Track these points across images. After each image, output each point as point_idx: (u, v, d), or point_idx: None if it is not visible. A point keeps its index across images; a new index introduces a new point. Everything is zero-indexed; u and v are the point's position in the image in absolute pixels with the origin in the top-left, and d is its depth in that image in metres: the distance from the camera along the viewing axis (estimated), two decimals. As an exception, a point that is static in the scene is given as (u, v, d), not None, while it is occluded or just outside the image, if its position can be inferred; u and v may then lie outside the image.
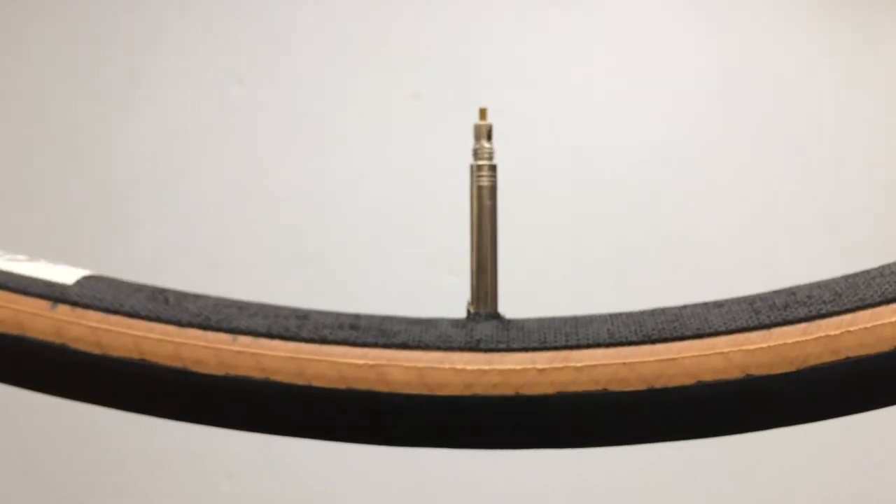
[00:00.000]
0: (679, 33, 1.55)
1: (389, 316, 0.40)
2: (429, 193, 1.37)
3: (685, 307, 0.39)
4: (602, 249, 1.35)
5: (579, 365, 0.38)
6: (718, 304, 0.39)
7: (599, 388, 0.37)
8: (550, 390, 0.38)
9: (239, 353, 0.39)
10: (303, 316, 0.40)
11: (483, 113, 0.40)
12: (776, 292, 0.39)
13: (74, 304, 0.40)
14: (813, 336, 0.37)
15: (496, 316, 0.40)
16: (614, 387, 0.37)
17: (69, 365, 0.39)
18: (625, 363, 0.37)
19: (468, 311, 0.41)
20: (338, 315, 0.40)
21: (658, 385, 0.37)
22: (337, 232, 1.38)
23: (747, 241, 1.38)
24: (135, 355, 0.39)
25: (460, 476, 1.19)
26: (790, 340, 0.37)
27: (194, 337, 0.39)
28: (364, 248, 1.35)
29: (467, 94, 1.43)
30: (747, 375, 0.37)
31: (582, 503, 1.21)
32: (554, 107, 1.47)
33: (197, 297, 0.41)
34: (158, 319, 0.39)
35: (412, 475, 1.17)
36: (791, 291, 0.39)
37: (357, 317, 0.40)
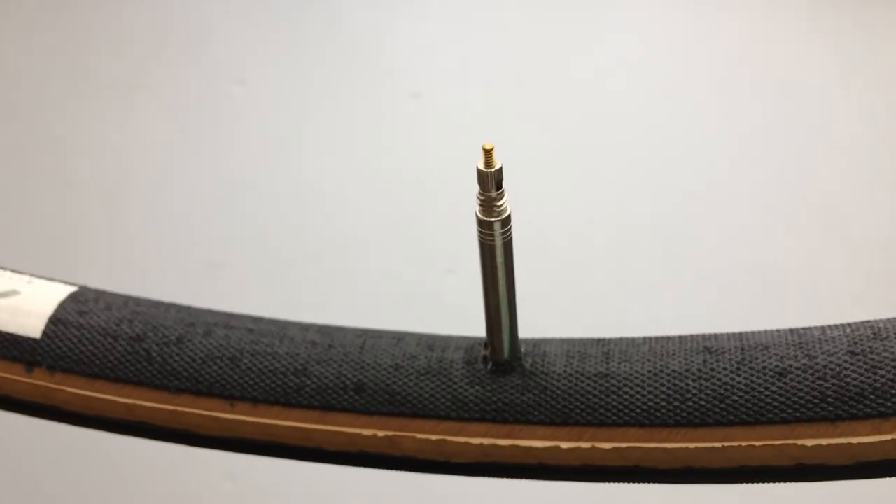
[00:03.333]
0: (679, 33, 1.49)
1: (397, 366, 0.36)
2: (429, 193, 1.27)
3: (739, 371, 0.33)
4: (601, 249, 1.26)
5: (608, 447, 0.34)
6: (780, 374, 0.33)
7: (629, 464, 0.34)
8: (575, 462, 0.35)
9: (240, 421, 0.36)
10: (301, 371, 0.36)
11: (489, 155, 0.29)
12: (853, 358, 0.32)
13: (51, 368, 0.36)
14: (888, 437, 0.31)
15: (516, 368, 0.35)
16: (646, 464, 0.34)
17: (65, 416, 0.38)
18: (661, 447, 0.33)
19: (485, 357, 0.35)
20: (339, 372, 0.35)
21: (696, 465, 0.34)
22: (337, 232, 1.27)
23: (747, 242, 1.26)
24: (131, 417, 0.37)
25: (458, 483, 1.12)
26: (856, 440, 0.32)
27: (189, 403, 0.36)
28: (364, 247, 1.25)
29: (467, 94, 1.35)
30: (800, 464, 0.33)
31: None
32: (554, 107, 1.39)
33: (179, 343, 0.36)
34: (147, 385, 0.36)
35: (412, 475, 1.11)
36: (873, 365, 0.32)
37: (364, 370, 0.35)
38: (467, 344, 0.37)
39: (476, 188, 0.31)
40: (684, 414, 0.33)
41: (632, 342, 0.36)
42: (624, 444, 0.34)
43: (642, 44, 1.51)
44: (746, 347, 0.34)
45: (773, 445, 0.33)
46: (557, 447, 0.34)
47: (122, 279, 1.14)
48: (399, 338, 0.37)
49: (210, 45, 1.46)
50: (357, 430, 0.35)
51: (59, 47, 1.45)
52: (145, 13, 1.51)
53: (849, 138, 1.37)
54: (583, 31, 1.53)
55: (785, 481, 0.34)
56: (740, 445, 0.33)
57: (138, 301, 0.39)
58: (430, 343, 0.37)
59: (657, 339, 0.36)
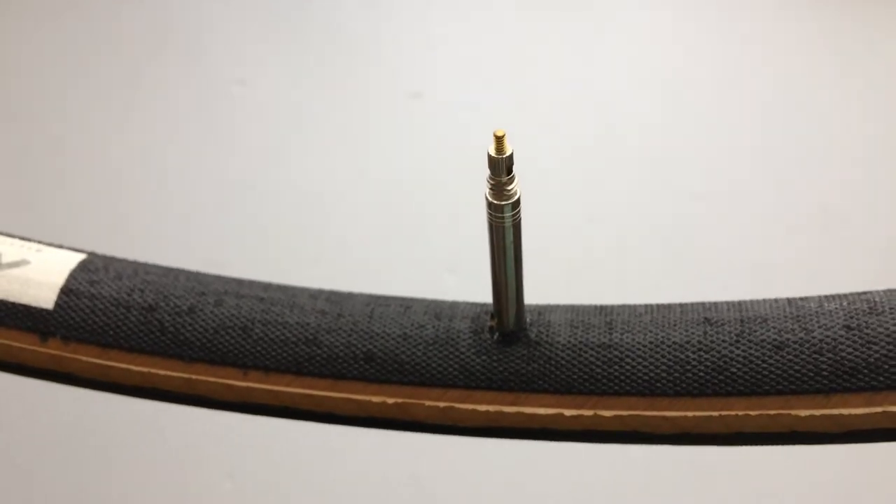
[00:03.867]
0: (679, 33, 1.49)
1: (405, 335, 0.36)
2: (429, 193, 1.27)
3: (738, 343, 0.34)
4: (601, 250, 1.24)
5: (610, 415, 0.35)
6: (778, 347, 0.34)
7: (629, 429, 0.36)
8: (577, 427, 0.36)
9: (252, 388, 0.37)
10: (311, 340, 0.36)
11: (500, 142, 0.30)
12: (848, 332, 0.33)
13: (65, 338, 0.37)
14: (878, 409, 0.33)
15: (521, 338, 0.36)
16: (646, 430, 0.36)
17: (80, 382, 0.39)
18: (661, 415, 0.35)
19: (491, 327, 0.36)
20: (348, 342, 0.36)
21: (694, 431, 0.35)
22: (337, 232, 1.25)
23: (747, 241, 1.24)
24: (147, 384, 0.38)
25: (462, 476, 1.07)
26: (848, 412, 0.33)
27: (203, 371, 0.37)
28: (364, 247, 1.24)
29: (467, 94, 1.35)
30: (793, 431, 0.34)
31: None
32: (554, 106, 1.38)
33: (192, 313, 0.37)
34: (162, 354, 0.37)
35: (412, 475, 1.07)
36: (869, 340, 0.33)
37: (374, 340, 0.36)
38: (473, 312, 0.37)
39: (486, 172, 0.31)
40: (684, 384, 0.34)
41: (633, 311, 0.37)
42: (625, 413, 0.35)
43: (643, 44, 1.49)
44: (745, 319, 0.35)
45: (768, 415, 0.34)
46: (561, 414, 0.36)
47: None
48: (407, 306, 0.38)
49: (210, 45, 1.44)
50: (367, 398, 0.36)
51: (59, 47, 1.43)
52: (145, 13, 1.49)
53: (849, 138, 1.36)
54: (584, 30, 1.52)
55: (777, 444, 0.35)
56: (737, 415, 0.34)
57: (147, 269, 0.39)
58: (438, 311, 0.38)
59: (658, 308, 0.37)
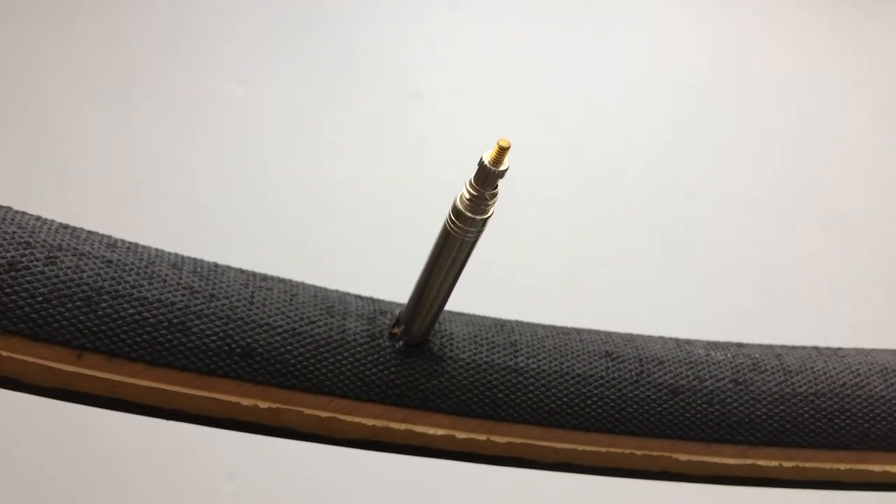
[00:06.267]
0: (679, 33, 1.50)
1: (294, 331, 0.31)
2: (429, 193, 1.26)
3: (637, 383, 0.34)
4: (601, 249, 1.24)
5: (502, 441, 0.33)
6: (674, 392, 0.34)
7: (514, 455, 0.34)
8: (465, 449, 0.33)
9: (83, 376, 0.29)
10: (178, 326, 0.29)
11: (502, 153, 0.25)
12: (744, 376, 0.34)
13: None
14: (749, 461, 0.34)
15: (424, 351, 0.32)
16: (530, 457, 0.34)
17: None
18: (551, 447, 0.33)
19: (393, 334, 0.32)
20: (224, 332, 0.30)
21: (576, 463, 0.34)
22: (337, 232, 1.23)
23: (749, 242, 1.27)
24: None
25: (458, 478, 1.07)
26: (722, 461, 0.34)
27: (20, 349, 0.28)
28: (364, 247, 1.23)
29: (467, 94, 1.36)
30: (665, 471, 0.35)
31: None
32: (555, 106, 1.37)
33: (12, 270, 0.28)
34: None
35: (412, 474, 1.06)
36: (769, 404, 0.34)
37: (254, 332, 0.30)
38: (368, 311, 0.33)
39: (467, 177, 0.26)
40: (582, 419, 0.33)
41: (534, 332, 0.35)
42: (518, 440, 0.33)
43: (644, 44, 1.47)
44: (643, 359, 0.34)
45: (650, 456, 0.34)
46: (452, 437, 0.33)
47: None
48: (293, 293, 0.32)
49: (210, 45, 1.41)
50: (235, 399, 0.30)
51: (59, 47, 1.40)
52: (145, 13, 1.45)
53: (851, 139, 1.42)
54: (584, 30, 1.49)
55: (645, 479, 0.36)
56: (622, 452, 0.34)
57: None
58: (328, 305, 0.32)
59: (558, 332, 0.35)
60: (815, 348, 0.37)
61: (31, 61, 1.41)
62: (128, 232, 1.16)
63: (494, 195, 0.26)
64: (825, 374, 0.35)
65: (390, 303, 0.34)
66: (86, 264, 0.29)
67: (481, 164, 0.25)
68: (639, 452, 0.34)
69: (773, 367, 0.35)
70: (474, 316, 0.35)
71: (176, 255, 0.31)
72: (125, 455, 1.07)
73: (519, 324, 0.35)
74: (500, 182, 0.26)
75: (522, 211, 1.26)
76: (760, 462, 0.34)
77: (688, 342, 0.36)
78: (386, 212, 1.28)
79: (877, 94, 1.50)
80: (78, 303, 0.28)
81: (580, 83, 1.46)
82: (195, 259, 0.32)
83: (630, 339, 0.35)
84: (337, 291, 0.33)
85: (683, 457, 0.34)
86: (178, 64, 1.37)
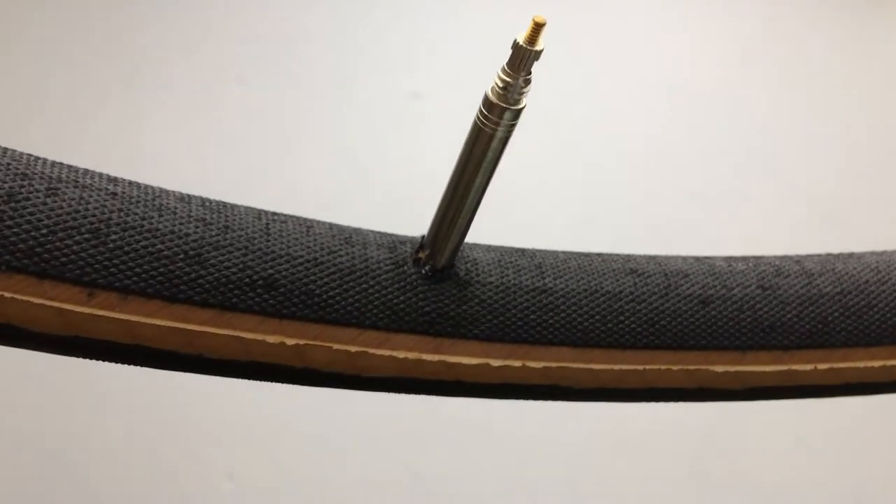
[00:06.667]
0: (680, 33, 1.50)
1: (315, 260, 0.29)
2: (429, 193, 1.09)
3: (667, 296, 0.33)
4: (602, 250, 1.19)
5: (538, 366, 0.32)
6: (704, 302, 0.33)
7: (550, 382, 0.32)
8: (497, 380, 0.32)
9: (97, 317, 0.27)
10: (194, 258, 0.27)
11: (537, 31, 0.24)
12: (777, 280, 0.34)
13: None
14: (784, 367, 0.34)
15: (451, 276, 0.31)
16: (566, 384, 0.33)
17: None
18: (587, 368, 0.32)
19: (417, 260, 0.30)
20: (244, 263, 0.28)
21: (611, 386, 0.33)
22: None
23: (748, 241, 1.29)
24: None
25: (462, 471, 1.06)
26: (758, 369, 0.34)
27: (25, 289, 0.26)
28: None
29: (467, 94, 1.23)
30: (701, 388, 0.34)
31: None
32: (555, 106, 1.40)
33: (11, 201, 0.26)
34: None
35: (413, 474, 1.05)
36: (787, 303, 0.34)
37: (275, 262, 0.28)
38: (388, 242, 0.31)
39: (501, 64, 0.25)
40: (616, 336, 0.32)
41: (556, 256, 0.34)
42: (554, 364, 0.32)
43: (644, 44, 1.50)
44: (668, 273, 0.34)
45: (686, 370, 0.33)
46: (487, 365, 0.31)
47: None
48: (307, 225, 0.30)
49: (210, 45, 1.43)
50: (260, 337, 0.28)
51: (59, 47, 1.40)
52: (145, 13, 1.46)
53: (850, 138, 1.44)
54: (585, 31, 1.52)
55: (679, 401, 0.35)
56: (659, 369, 0.33)
57: None
58: (346, 236, 0.31)
59: (580, 255, 0.34)
60: (830, 253, 0.36)
61: (31, 61, 1.41)
62: None
63: (528, 81, 0.26)
64: (847, 273, 0.35)
65: (406, 235, 0.32)
66: (90, 196, 0.27)
67: (515, 45, 0.25)
68: (675, 367, 0.33)
69: (795, 272, 0.35)
70: (498, 246, 0.33)
71: (181, 192, 0.30)
72: (125, 454, 1.07)
73: (540, 250, 0.34)
74: (535, 67, 0.25)
75: (522, 211, 1.26)
76: (796, 367, 0.34)
77: (707, 257, 0.35)
78: (386, 212, 1.28)
79: (877, 94, 1.54)
80: (86, 235, 0.26)
81: (580, 83, 1.48)
82: (201, 196, 0.30)
83: (651, 258, 0.35)
84: (350, 226, 0.32)
85: (720, 368, 0.33)
86: (178, 63, 1.38)
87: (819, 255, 0.36)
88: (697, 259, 0.35)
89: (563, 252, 0.34)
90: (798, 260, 0.35)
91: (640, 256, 0.35)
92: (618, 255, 0.35)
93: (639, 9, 1.64)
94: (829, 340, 0.34)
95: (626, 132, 1.43)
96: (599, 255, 0.34)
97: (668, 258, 0.35)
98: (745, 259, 0.36)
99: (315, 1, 1.50)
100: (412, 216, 1.28)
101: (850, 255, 0.36)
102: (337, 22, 1.48)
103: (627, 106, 1.47)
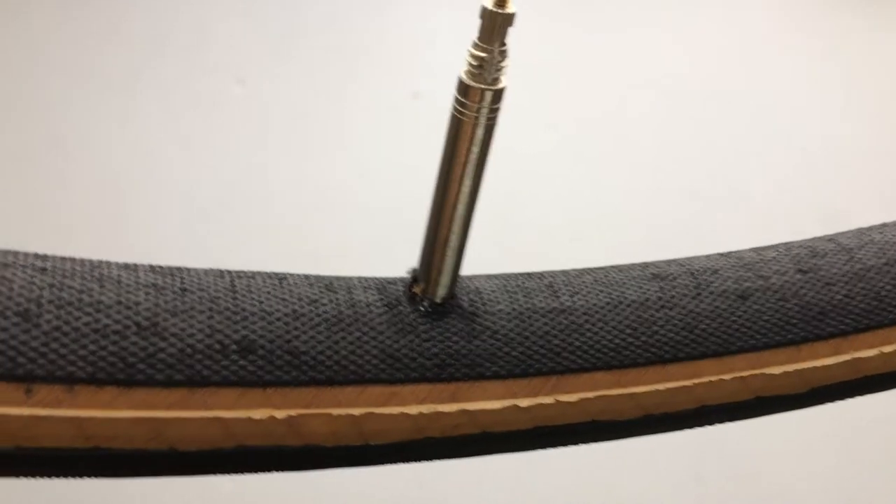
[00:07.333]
0: (679, 33, 1.51)
1: (296, 313, 0.25)
2: (429, 193, 1.19)
3: (699, 296, 0.29)
4: (602, 250, 1.25)
5: (573, 399, 0.27)
6: (742, 296, 0.29)
7: (588, 418, 0.28)
8: (528, 425, 0.27)
9: (39, 418, 0.22)
10: (150, 327, 0.23)
11: (504, -5, 0.21)
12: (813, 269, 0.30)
13: None
14: (846, 357, 0.30)
15: (453, 309, 0.26)
16: (608, 417, 0.28)
17: None
18: (627, 394, 0.28)
19: (413, 296, 0.26)
20: (210, 326, 0.23)
21: (659, 411, 0.29)
22: (337, 232, 1.24)
23: (747, 241, 1.34)
24: None
25: (464, 480, 1.06)
26: (819, 363, 0.29)
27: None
28: (364, 248, 1.23)
29: None
30: (756, 397, 0.29)
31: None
32: (555, 106, 1.40)
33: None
34: None
35: (415, 474, 1.05)
36: (826, 283, 0.30)
37: (248, 321, 0.24)
38: (375, 283, 0.27)
39: (470, 38, 0.22)
40: (654, 349, 0.28)
41: (566, 273, 0.30)
42: (591, 394, 0.27)
43: (642, 44, 1.51)
44: (694, 272, 0.30)
45: (740, 378, 0.29)
46: (514, 407, 0.26)
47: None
48: (278, 278, 0.26)
49: (210, 45, 1.44)
50: (244, 413, 0.24)
51: (59, 47, 1.41)
52: (145, 13, 1.48)
53: (851, 139, 1.44)
54: (584, 31, 1.54)
55: (736, 419, 0.30)
56: (709, 381, 0.28)
57: None
58: (325, 283, 0.27)
59: (592, 270, 0.30)
60: (860, 227, 0.33)
61: (32, 61, 1.41)
62: (127, 231, 1.09)
63: (505, 53, 0.22)
64: (887, 242, 0.31)
65: (392, 277, 0.28)
66: (14, 274, 0.22)
67: (484, 12, 0.21)
68: (727, 377, 0.29)
69: (832, 250, 0.31)
70: (500, 274, 0.29)
71: (125, 263, 0.25)
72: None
73: (546, 271, 0.30)
74: (508, 38, 0.22)
75: (522, 211, 1.24)
76: (859, 354, 0.29)
77: (730, 251, 0.32)
78: (385, 211, 1.27)
79: (877, 94, 1.55)
80: (14, 318, 0.21)
81: (581, 82, 1.48)
82: (147, 264, 0.25)
83: (670, 260, 0.31)
84: (328, 275, 0.28)
85: (776, 369, 0.29)
86: (178, 63, 1.38)
87: (851, 231, 0.32)
88: (721, 254, 0.32)
89: (575, 270, 0.30)
90: (830, 238, 0.32)
91: (658, 261, 0.31)
92: (631, 265, 0.31)
93: (638, 9, 1.66)
94: (887, 318, 0.30)
95: (625, 132, 1.44)
96: (613, 266, 0.30)
97: (689, 258, 0.31)
98: (772, 247, 0.32)
99: (315, 1, 1.52)
100: (412, 216, 1.29)
101: (884, 225, 0.33)
102: (337, 22, 1.50)
103: (627, 106, 1.48)
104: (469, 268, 0.28)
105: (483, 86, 0.22)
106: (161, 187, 1.29)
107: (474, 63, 0.22)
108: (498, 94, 0.23)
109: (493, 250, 1.20)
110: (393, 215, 1.28)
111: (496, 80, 0.22)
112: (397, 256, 1.27)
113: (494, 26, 0.22)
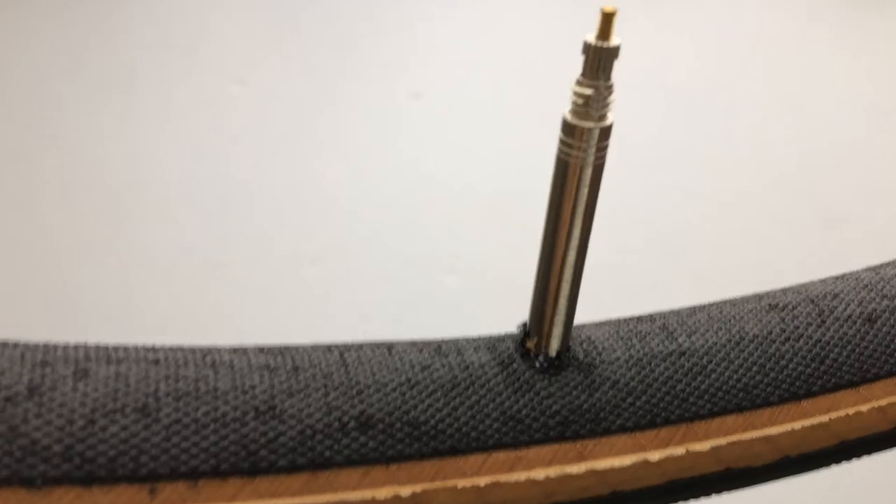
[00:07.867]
0: (678, 33, 1.51)
1: (410, 381, 0.24)
2: (429, 193, 1.27)
3: (825, 324, 0.27)
4: (602, 250, 1.25)
5: (705, 448, 0.25)
6: (870, 320, 0.27)
7: (722, 467, 0.26)
8: (660, 480, 0.26)
9: (165, 517, 0.21)
10: (267, 411, 0.22)
11: (608, 21, 0.20)
12: None
13: None
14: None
15: (570, 362, 0.25)
16: (743, 463, 0.26)
17: None
18: (762, 436, 0.26)
19: (526, 352, 0.25)
20: (327, 403, 0.22)
21: (796, 452, 0.27)
22: (337, 232, 1.24)
23: (749, 241, 1.29)
24: None
25: None
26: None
27: (69, 501, 0.20)
28: (364, 247, 1.23)
29: (467, 94, 1.34)
30: (894, 428, 0.28)
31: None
32: (555, 106, 1.44)
33: (35, 396, 0.20)
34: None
35: None
36: None
37: (363, 395, 0.23)
38: (484, 343, 0.26)
39: (574, 75, 0.21)
40: (785, 385, 0.26)
41: (678, 313, 0.28)
42: (723, 441, 0.26)
43: (642, 44, 1.51)
44: (814, 298, 0.28)
45: (879, 409, 0.27)
46: (644, 462, 0.25)
47: (122, 278, 1.11)
48: (386, 346, 0.25)
49: (210, 45, 1.43)
50: (369, 494, 0.22)
51: (59, 47, 1.41)
52: (145, 13, 1.48)
53: (851, 139, 1.42)
54: (583, 30, 1.58)
55: (877, 452, 0.28)
56: (847, 415, 0.27)
57: None
58: (433, 347, 0.25)
59: (705, 307, 0.28)
60: None
61: (31, 61, 1.41)
62: (127, 231, 1.08)
63: (611, 88, 0.21)
64: None
65: (500, 335, 0.27)
66: (128, 369, 0.22)
67: (588, 47, 0.21)
68: (864, 408, 0.27)
69: None
70: (608, 320, 0.28)
71: (227, 347, 0.25)
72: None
73: (654, 312, 0.28)
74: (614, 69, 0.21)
75: (522, 211, 1.21)
76: None
77: (844, 274, 0.30)
78: (385, 211, 1.26)
79: (877, 94, 1.52)
80: (132, 415, 0.21)
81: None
82: (249, 346, 0.25)
83: (784, 289, 0.29)
84: (442, 339, 0.27)
85: (917, 395, 0.27)
86: (178, 63, 1.38)
87: None
88: (836, 277, 0.30)
89: (686, 309, 0.29)
90: None
91: (771, 291, 0.29)
92: (745, 296, 0.29)
93: (640, 9, 1.65)
94: None
95: (623, 132, 1.44)
96: (724, 301, 0.29)
97: (803, 285, 0.30)
98: (888, 264, 0.30)
99: (315, 1, 1.52)
100: (412, 216, 1.27)
101: None
102: (337, 22, 1.50)
103: (624, 105, 1.49)
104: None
105: (590, 124, 0.21)
106: (161, 187, 1.30)
107: (580, 101, 0.21)
108: (606, 132, 0.22)
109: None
110: (393, 215, 1.29)
111: (603, 117, 0.22)
112: (397, 256, 1.23)
113: (600, 60, 0.21)
